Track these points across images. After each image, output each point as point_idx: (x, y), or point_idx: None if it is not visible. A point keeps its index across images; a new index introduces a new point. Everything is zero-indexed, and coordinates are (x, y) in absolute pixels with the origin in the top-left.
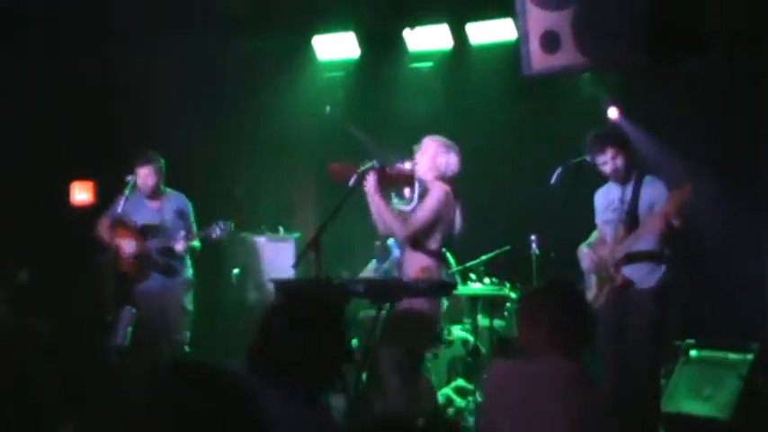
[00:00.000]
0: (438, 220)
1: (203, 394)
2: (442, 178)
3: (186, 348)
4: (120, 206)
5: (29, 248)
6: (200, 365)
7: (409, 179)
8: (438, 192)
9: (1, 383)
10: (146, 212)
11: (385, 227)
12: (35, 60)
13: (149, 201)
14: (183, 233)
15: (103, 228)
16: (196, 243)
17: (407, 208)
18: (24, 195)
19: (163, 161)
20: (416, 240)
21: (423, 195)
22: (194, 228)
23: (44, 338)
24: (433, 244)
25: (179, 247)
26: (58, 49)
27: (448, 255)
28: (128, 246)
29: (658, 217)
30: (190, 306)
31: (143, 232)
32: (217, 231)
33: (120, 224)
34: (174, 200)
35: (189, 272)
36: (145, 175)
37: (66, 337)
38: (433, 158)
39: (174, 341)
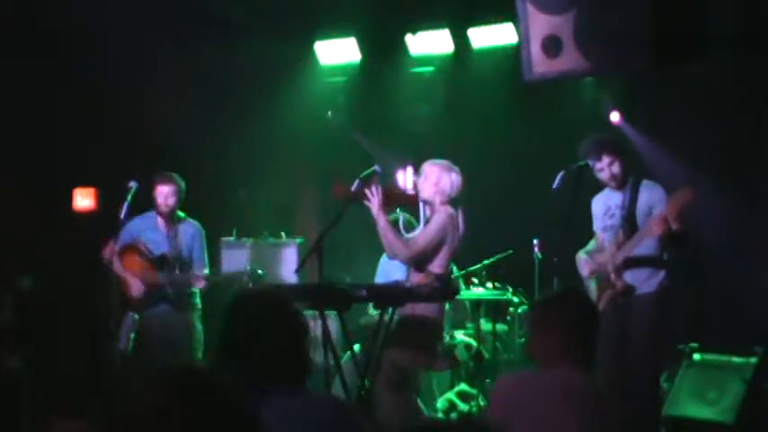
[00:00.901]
0: (441, 243)
1: (200, 400)
2: (448, 200)
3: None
4: (122, 213)
5: (32, 255)
6: (196, 372)
7: (412, 200)
8: (441, 216)
9: None
10: (160, 240)
11: (390, 250)
12: (37, 65)
13: (165, 226)
14: (204, 272)
15: (111, 253)
16: (206, 270)
17: (413, 234)
18: (27, 202)
19: (184, 184)
20: (420, 264)
21: (428, 220)
22: (206, 256)
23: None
24: (437, 267)
25: (199, 285)
26: (59, 53)
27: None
28: (137, 286)
29: (658, 220)
30: (199, 325)
31: (158, 263)
32: (243, 278)
33: (134, 250)
34: (188, 229)
35: (197, 300)
36: (166, 195)
37: (69, 342)
38: (436, 183)
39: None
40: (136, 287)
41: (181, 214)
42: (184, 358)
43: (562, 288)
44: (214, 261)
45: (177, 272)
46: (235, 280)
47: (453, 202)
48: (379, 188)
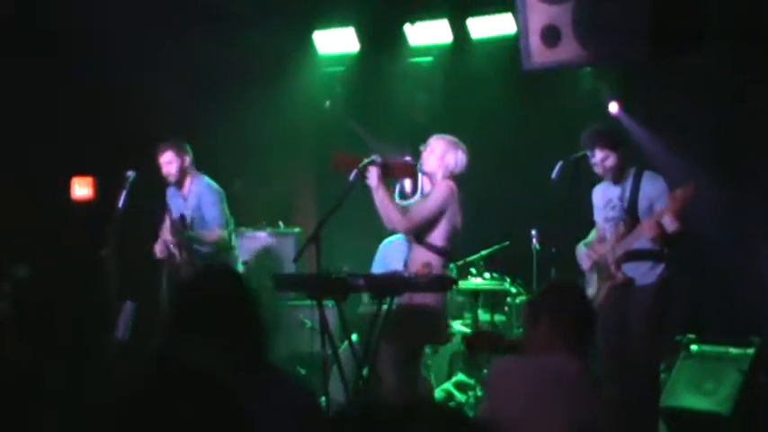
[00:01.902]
0: (440, 215)
1: (178, 387)
2: (451, 176)
3: None
4: (120, 202)
5: (29, 244)
6: (179, 363)
7: (411, 170)
8: (443, 188)
9: None
10: (179, 204)
11: (388, 220)
12: (34, 56)
13: (178, 190)
14: (216, 232)
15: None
16: (214, 236)
17: (409, 202)
18: (24, 191)
19: (187, 145)
20: (420, 235)
21: (428, 194)
22: (217, 216)
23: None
24: (438, 240)
25: (165, 237)
26: (57, 45)
27: None
28: (158, 247)
29: (651, 224)
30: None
31: (174, 227)
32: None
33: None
34: (195, 188)
35: (238, 264)
36: (164, 164)
37: (67, 331)
38: (441, 157)
39: None
40: (157, 247)
41: (197, 174)
42: None
43: (550, 280)
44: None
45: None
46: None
47: (455, 178)
48: (378, 163)
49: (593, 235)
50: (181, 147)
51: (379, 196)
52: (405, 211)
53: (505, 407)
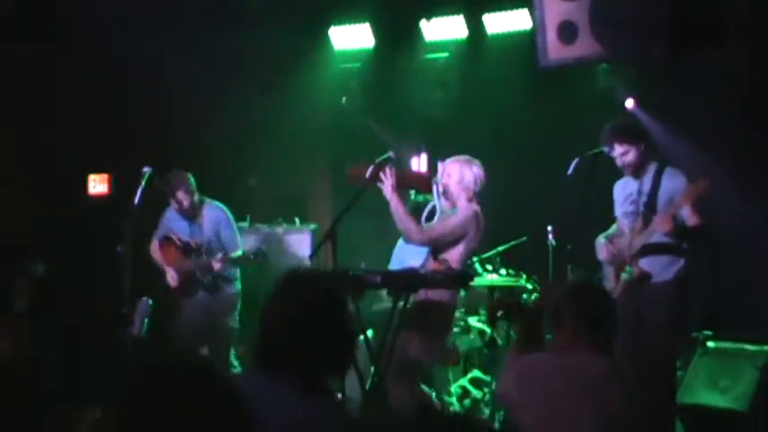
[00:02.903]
0: (460, 238)
1: (183, 389)
2: (474, 196)
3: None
4: (136, 199)
5: (46, 241)
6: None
7: (426, 182)
8: (467, 212)
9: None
10: (186, 228)
11: (404, 231)
12: (51, 54)
13: (188, 216)
14: (220, 255)
15: (155, 251)
16: (238, 252)
17: (428, 206)
18: (41, 188)
19: (191, 177)
20: (436, 251)
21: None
22: (237, 238)
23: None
24: (454, 261)
25: (217, 266)
26: (73, 42)
27: None
28: (171, 277)
29: (665, 217)
30: (235, 324)
31: (186, 251)
32: (251, 257)
33: (170, 242)
34: (212, 215)
35: (237, 285)
36: (181, 200)
37: (83, 328)
38: (459, 182)
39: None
40: (170, 277)
41: (204, 199)
42: (212, 345)
43: (570, 280)
44: None
45: (204, 257)
46: (248, 260)
47: (478, 195)
48: (393, 170)
49: (614, 228)
50: (189, 182)
51: (394, 205)
52: (420, 225)
53: (532, 407)
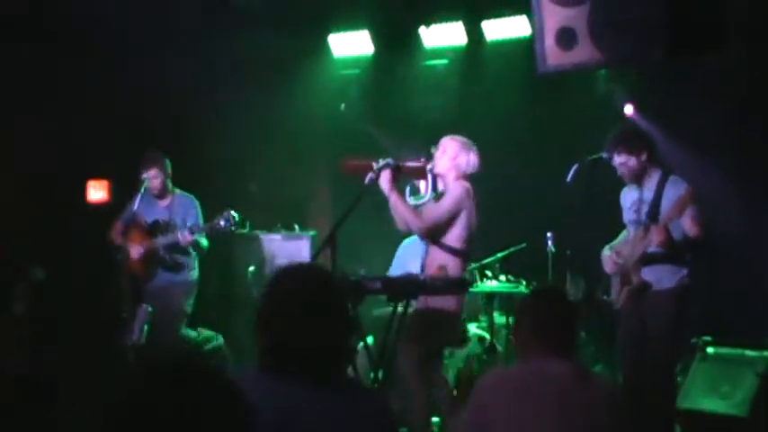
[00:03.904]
0: (456, 216)
1: (181, 394)
2: (464, 176)
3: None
4: (135, 204)
5: (45, 247)
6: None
7: (422, 172)
8: (458, 189)
9: None
10: (155, 211)
11: (403, 223)
12: (50, 59)
13: (159, 200)
14: (187, 228)
15: (116, 232)
16: (203, 241)
17: (421, 202)
18: (40, 194)
19: (168, 161)
20: (435, 237)
21: (442, 194)
22: (200, 224)
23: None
24: (454, 241)
25: (184, 238)
26: (72, 48)
27: None
28: (135, 250)
29: (659, 229)
30: (188, 309)
31: (152, 230)
32: (221, 222)
33: (133, 225)
34: (182, 200)
35: (195, 273)
36: (153, 177)
37: (83, 334)
38: (453, 158)
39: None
40: (135, 250)
41: (176, 189)
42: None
43: (533, 289)
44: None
45: (169, 234)
46: (218, 229)
47: (468, 178)
48: (391, 171)
49: (622, 236)
50: (164, 163)
51: (393, 199)
52: (418, 212)
53: (495, 418)
